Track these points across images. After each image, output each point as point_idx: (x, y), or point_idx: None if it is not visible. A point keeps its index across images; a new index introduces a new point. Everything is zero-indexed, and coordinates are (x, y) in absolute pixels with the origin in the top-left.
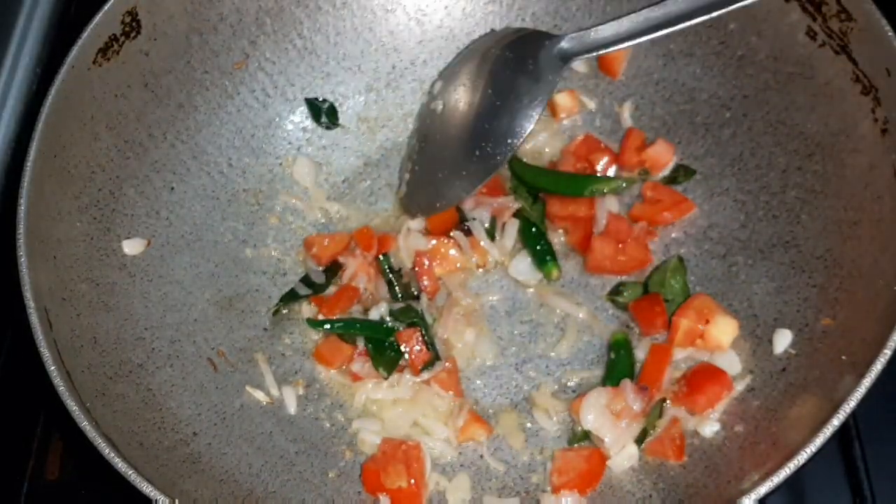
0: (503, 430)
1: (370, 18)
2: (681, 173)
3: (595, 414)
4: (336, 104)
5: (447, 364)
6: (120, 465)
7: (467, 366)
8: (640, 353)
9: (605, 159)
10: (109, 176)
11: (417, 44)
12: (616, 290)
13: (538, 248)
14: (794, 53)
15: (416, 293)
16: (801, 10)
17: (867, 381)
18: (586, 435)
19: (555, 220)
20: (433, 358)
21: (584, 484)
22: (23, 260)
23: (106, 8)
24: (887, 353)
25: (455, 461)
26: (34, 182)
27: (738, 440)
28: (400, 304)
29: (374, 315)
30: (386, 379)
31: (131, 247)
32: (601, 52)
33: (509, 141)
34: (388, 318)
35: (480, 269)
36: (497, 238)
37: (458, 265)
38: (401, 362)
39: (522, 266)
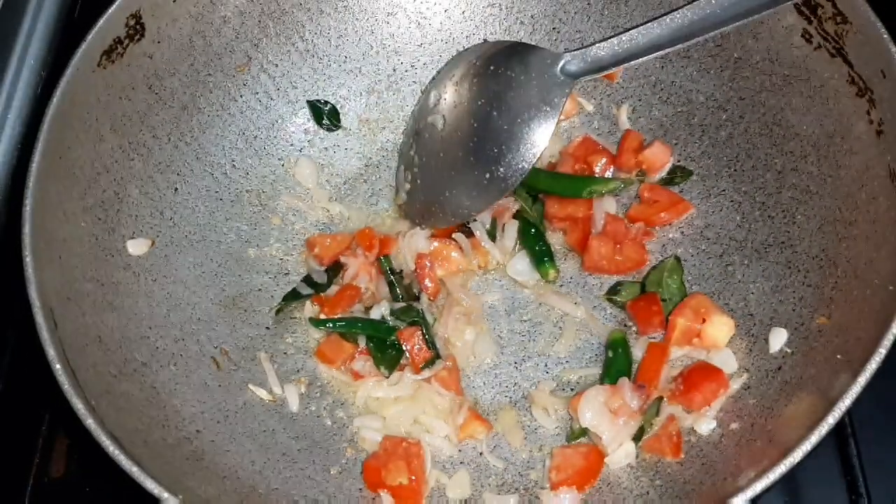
0: (502, 427)
1: (371, 21)
2: (678, 174)
3: (593, 411)
4: (338, 106)
5: (447, 363)
6: (124, 462)
7: (467, 364)
8: (638, 352)
9: (603, 161)
10: (114, 177)
11: (418, 47)
12: (614, 290)
13: (537, 248)
14: (789, 56)
15: (417, 293)
16: (796, 13)
17: (862, 380)
18: (584, 432)
19: (553, 220)
20: (434, 356)
21: (582, 481)
22: (28, 260)
23: (110, 11)
24: (882, 351)
25: (455, 458)
26: (39, 183)
27: (735, 438)
28: (401, 304)
29: (375, 314)
30: (387, 377)
31: (136, 247)
32: (604, 73)
33: (520, 166)
34: (389, 318)
35: (481, 270)
36: (498, 239)
37: (460, 267)
38: (402, 361)
39: (521, 266)
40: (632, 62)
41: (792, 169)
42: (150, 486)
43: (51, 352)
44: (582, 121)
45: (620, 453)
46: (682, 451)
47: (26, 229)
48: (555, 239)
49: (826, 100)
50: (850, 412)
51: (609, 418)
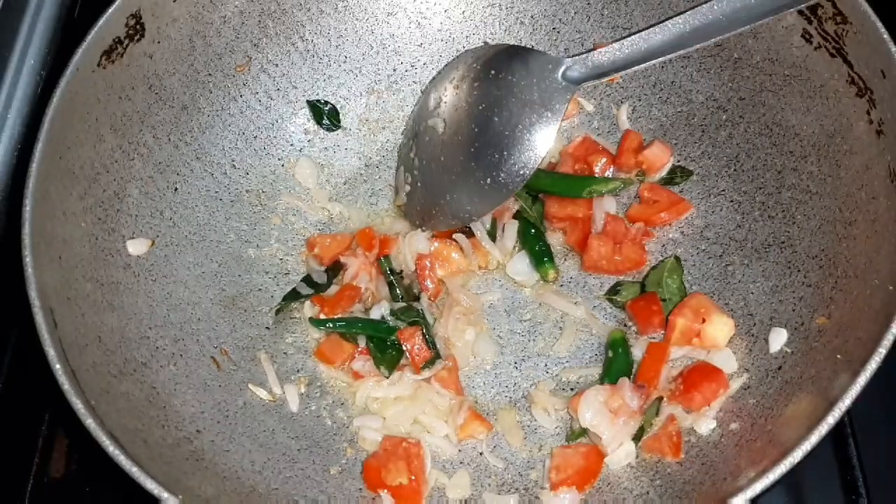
0: (502, 427)
1: (371, 21)
2: (677, 174)
3: (593, 411)
4: (338, 106)
5: (447, 362)
6: (124, 462)
7: (467, 364)
8: (638, 352)
9: (603, 160)
10: (114, 177)
11: (418, 47)
12: (614, 290)
13: (537, 248)
14: (789, 56)
15: (417, 294)
16: (796, 13)
17: (862, 380)
18: (584, 432)
19: (553, 220)
20: (434, 356)
21: (581, 481)
22: (28, 260)
23: (110, 11)
24: (882, 351)
25: (455, 458)
26: (39, 183)
27: (734, 438)
28: (401, 304)
29: (375, 314)
30: (387, 377)
31: (135, 247)
32: (606, 79)
33: (521, 172)
34: (388, 318)
35: (481, 270)
36: (498, 239)
37: (460, 267)
38: (402, 361)
39: (521, 266)
40: (633, 68)
41: (792, 169)
42: (150, 486)
43: (51, 352)
44: (582, 121)
45: (620, 453)
46: (682, 451)
47: (26, 229)
48: (555, 239)
49: (826, 100)
50: (849, 412)
51: (609, 418)
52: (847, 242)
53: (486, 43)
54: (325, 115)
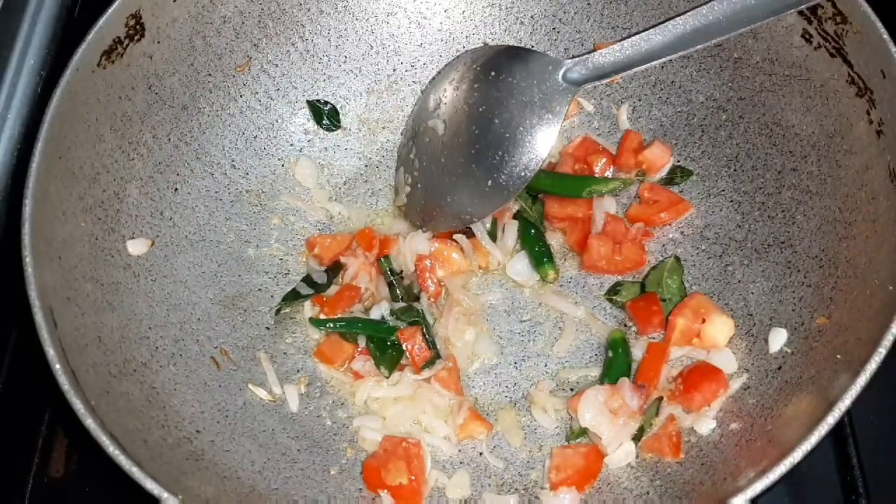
0: (502, 427)
1: (371, 21)
2: (677, 174)
3: (593, 411)
4: (338, 106)
5: (447, 362)
6: (124, 462)
7: (467, 364)
8: (638, 352)
9: (603, 161)
10: (114, 177)
11: (418, 47)
12: (614, 290)
13: (537, 249)
14: (789, 56)
15: (417, 294)
16: (796, 13)
17: (862, 380)
18: (584, 431)
19: (553, 220)
20: (434, 356)
21: (581, 481)
22: (28, 260)
23: (110, 11)
24: (882, 351)
25: (455, 458)
26: (39, 183)
27: (734, 438)
28: (401, 304)
29: (375, 314)
30: (387, 377)
31: (135, 247)
32: (606, 80)
33: (522, 174)
34: (388, 318)
35: (481, 270)
36: (498, 239)
37: (461, 268)
38: (402, 361)
39: (520, 266)
40: (633, 69)
41: (792, 169)
42: (150, 486)
43: (50, 352)
44: (582, 121)
45: (620, 453)
46: (681, 451)
47: (26, 229)
48: (555, 239)
49: (826, 100)
50: (849, 412)
51: (609, 418)
52: (847, 242)
53: (485, 43)
54: (325, 115)
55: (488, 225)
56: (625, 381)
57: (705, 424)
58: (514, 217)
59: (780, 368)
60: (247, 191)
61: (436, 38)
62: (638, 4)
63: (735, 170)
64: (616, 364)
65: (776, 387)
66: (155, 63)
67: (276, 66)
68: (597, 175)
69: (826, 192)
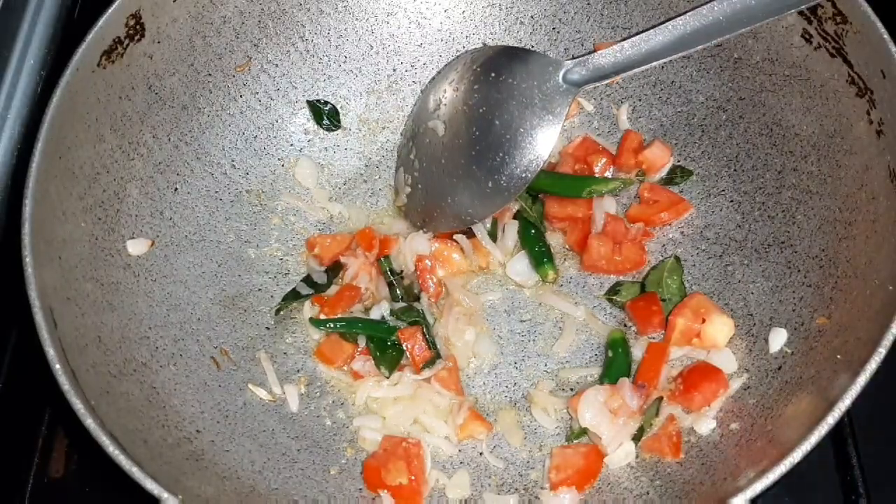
0: (502, 427)
1: (371, 21)
2: (677, 174)
3: (593, 411)
4: (338, 106)
5: (448, 362)
6: (124, 462)
7: (467, 364)
8: (638, 352)
9: (603, 161)
10: (114, 177)
11: (418, 47)
12: (614, 290)
13: (537, 249)
14: (789, 56)
15: (417, 294)
16: (796, 13)
17: (862, 380)
18: (584, 431)
19: (553, 220)
20: (434, 356)
21: (581, 481)
22: (28, 260)
23: (110, 11)
24: (882, 351)
25: (455, 458)
26: (39, 183)
27: (734, 438)
28: (401, 304)
29: (375, 314)
30: (387, 377)
31: (135, 247)
32: (606, 81)
33: (523, 175)
34: (388, 318)
35: (482, 270)
36: (498, 239)
37: (461, 268)
38: (402, 361)
39: (520, 267)
40: (634, 70)
41: (792, 169)
42: (150, 486)
43: (50, 352)
44: (582, 121)
45: (620, 453)
46: (681, 451)
47: (26, 229)
48: (555, 239)
49: (826, 100)
50: (849, 412)
51: (609, 418)
52: (847, 242)
53: (485, 44)
54: (325, 115)
55: (488, 225)
56: (625, 381)
57: (705, 424)
58: (514, 217)
59: (780, 368)
60: (247, 191)
61: (436, 38)
62: (638, 4)
63: (735, 170)
64: (616, 364)
65: (776, 387)
66: (155, 63)
67: (276, 66)
68: (597, 175)
69: (826, 192)
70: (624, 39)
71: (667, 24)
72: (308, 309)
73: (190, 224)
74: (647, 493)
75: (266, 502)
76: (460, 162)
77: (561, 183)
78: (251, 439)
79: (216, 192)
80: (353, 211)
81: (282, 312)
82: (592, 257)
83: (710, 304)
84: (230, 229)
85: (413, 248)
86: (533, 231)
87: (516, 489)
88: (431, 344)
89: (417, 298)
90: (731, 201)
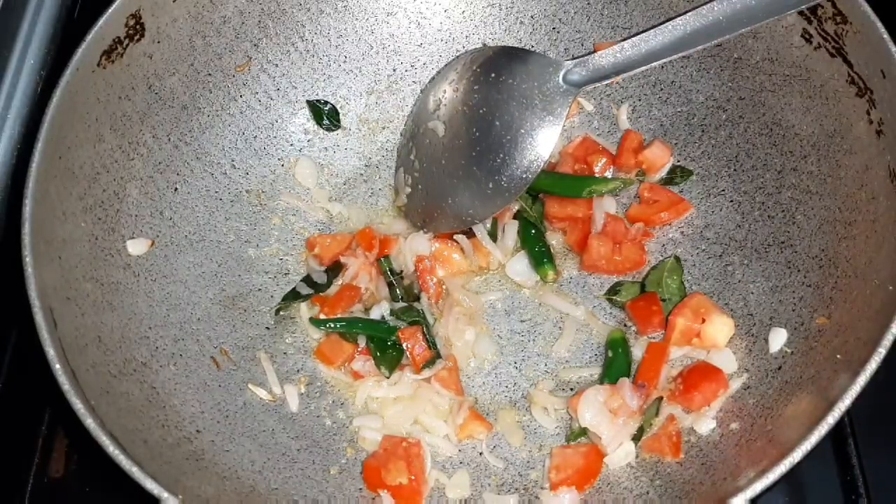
0: (502, 427)
1: (371, 21)
2: (677, 174)
3: (593, 411)
4: (338, 106)
5: (448, 362)
6: (124, 462)
7: (467, 364)
8: (638, 352)
9: (603, 160)
10: (114, 177)
11: (417, 47)
12: (613, 290)
13: (536, 249)
14: (789, 56)
15: (417, 294)
16: (796, 13)
17: (862, 380)
18: (584, 431)
19: (553, 220)
20: (434, 356)
21: (581, 481)
22: (28, 259)
23: (110, 11)
24: (882, 351)
25: (455, 458)
26: (39, 183)
27: (734, 438)
28: (401, 304)
29: (375, 314)
30: (387, 377)
31: (135, 247)
32: (607, 81)
33: (524, 176)
34: (388, 318)
35: (482, 270)
36: (498, 239)
37: (461, 268)
38: (402, 360)
39: (520, 267)
40: (634, 70)
41: (792, 169)
42: (150, 486)
43: (50, 352)
44: (582, 121)
45: (620, 453)
46: (681, 451)
47: (26, 229)
48: (555, 239)
49: (826, 100)
50: (849, 412)
51: (609, 418)
52: (847, 242)
53: (484, 44)
54: (325, 115)
55: (488, 225)
56: (625, 381)
57: (705, 424)
58: (514, 217)
59: (780, 368)
60: (247, 191)
61: (436, 38)
62: (638, 4)
63: (735, 170)
64: (616, 364)
65: (776, 387)
66: (155, 63)
67: (276, 66)
68: (597, 175)
69: (826, 192)
70: (624, 39)
71: (667, 24)
72: (308, 309)
73: (190, 224)
74: (647, 493)
75: (266, 502)
76: (460, 162)
77: (561, 183)
78: (251, 439)
79: (216, 191)
80: (353, 211)
81: (282, 312)
82: (592, 257)
83: (710, 304)
84: (230, 229)
85: (413, 248)
86: (533, 231)
87: (516, 489)
88: (431, 344)
89: (417, 298)
90: (731, 201)
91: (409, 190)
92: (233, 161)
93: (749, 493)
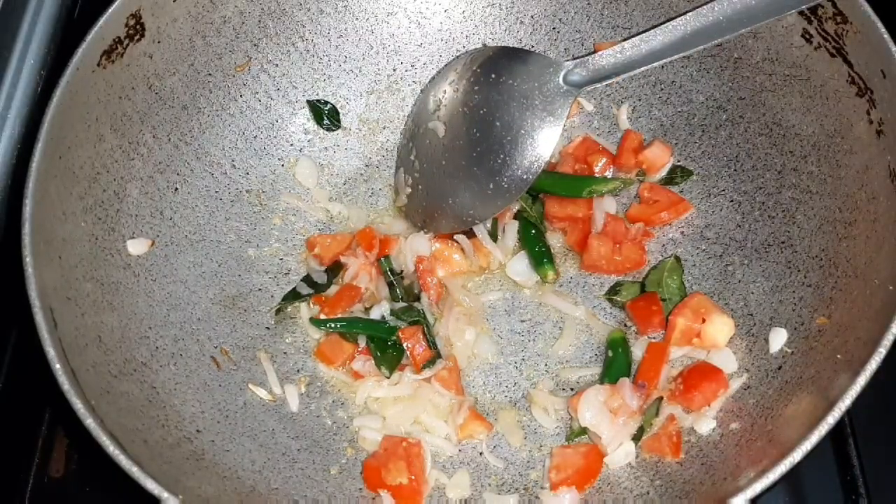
0: (502, 427)
1: (371, 21)
2: (678, 174)
3: (593, 411)
4: (338, 106)
5: (448, 362)
6: (124, 462)
7: (467, 364)
8: (638, 352)
9: (603, 160)
10: (114, 177)
11: (418, 47)
12: (614, 290)
13: (537, 249)
14: (789, 56)
15: (417, 294)
16: (796, 13)
17: (862, 380)
18: (584, 431)
19: (553, 220)
20: (435, 356)
21: (581, 480)
22: (28, 259)
23: (110, 11)
24: (882, 351)
25: (455, 458)
26: (39, 182)
27: (734, 438)
28: (401, 304)
29: (375, 314)
30: (388, 377)
31: (135, 247)
32: (608, 82)
33: (525, 177)
34: (389, 318)
35: (483, 270)
36: (498, 239)
37: (461, 269)
38: (402, 360)
39: (520, 267)
40: (634, 71)
41: (792, 169)
42: (150, 485)
43: (50, 351)
44: (582, 121)
45: (620, 453)
46: (681, 451)
47: (26, 229)
48: (555, 239)
49: (826, 100)
50: (849, 412)
51: (609, 418)
52: (847, 242)
53: (484, 44)
54: (325, 115)
55: (489, 225)
56: (625, 381)
57: (705, 424)
58: (515, 217)
59: (780, 368)
60: (247, 191)
61: (436, 37)
62: (638, 4)
63: (735, 170)
64: (616, 364)
65: (776, 387)
66: (155, 63)
67: (276, 65)
68: (597, 175)
69: (826, 192)
70: (624, 40)
71: (667, 24)
72: (308, 309)
73: (190, 224)
74: (647, 493)
75: (266, 502)
76: (461, 163)
77: (561, 183)
78: (251, 439)
79: (216, 191)
80: (353, 211)
81: (282, 312)
82: (592, 257)
83: (710, 303)
84: (230, 229)
85: (413, 248)
86: (533, 231)
87: (516, 489)
88: (432, 344)
89: (417, 298)
90: (732, 201)
91: (409, 190)
92: (233, 161)
93: (749, 493)
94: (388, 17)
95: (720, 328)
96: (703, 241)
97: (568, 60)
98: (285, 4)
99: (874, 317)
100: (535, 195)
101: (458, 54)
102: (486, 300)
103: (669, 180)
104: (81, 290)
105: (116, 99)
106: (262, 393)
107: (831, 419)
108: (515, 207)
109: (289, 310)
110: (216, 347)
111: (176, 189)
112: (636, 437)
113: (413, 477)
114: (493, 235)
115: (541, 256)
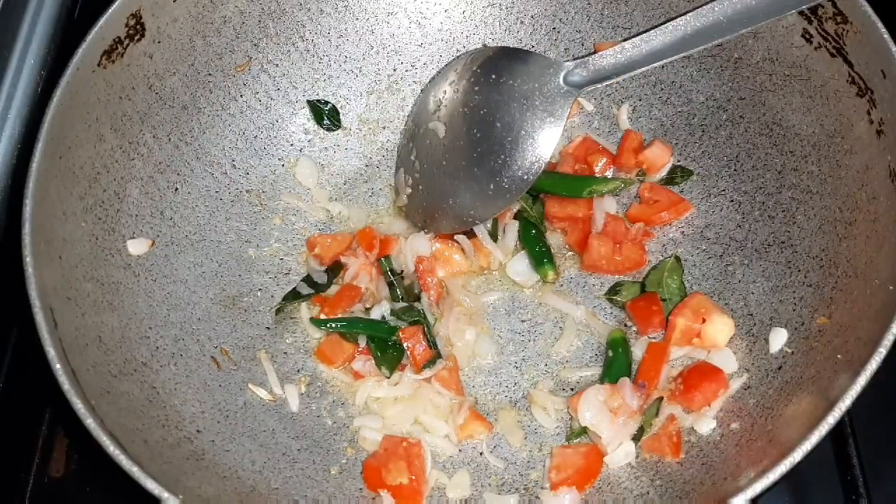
0: (502, 427)
1: (372, 21)
2: (678, 174)
3: (593, 411)
4: (338, 106)
5: (448, 362)
6: (124, 462)
7: (467, 364)
8: (638, 352)
9: (603, 160)
10: (114, 177)
11: (418, 46)
12: (614, 290)
13: (537, 249)
14: (790, 55)
15: (417, 294)
16: (796, 13)
17: (862, 380)
18: (584, 431)
19: (553, 220)
20: (435, 356)
21: (582, 480)
22: (28, 259)
23: (110, 11)
24: (882, 351)
25: (455, 458)
26: (39, 182)
27: (735, 438)
28: (401, 304)
29: (375, 314)
30: (388, 377)
31: (136, 247)
32: (608, 82)
33: (525, 177)
34: (389, 318)
35: (483, 271)
36: (499, 239)
37: (461, 269)
38: (402, 360)
39: (520, 267)
40: (635, 71)
41: (792, 169)
42: (150, 486)
43: (51, 351)
44: (582, 121)
45: (620, 453)
46: (682, 451)
47: (26, 229)
48: (555, 239)
49: (826, 100)
50: (849, 412)
51: (609, 418)
52: (847, 242)
53: (484, 44)
54: (325, 115)
55: (489, 225)
56: (625, 381)
57: (705, 424)
58: (515, 217)
59: (780, 368)
60: (247, 191)
61: (436, 37)
62: (638, 4)
63: (735, 170)
64: (616, 364)
65: (776, 387)
66: (155, 63)
67: (277, 66)
68: (597, 175)
69: (826, 192)
70: (625, 40)
71: (667, 24)
72: (308, 309)
73: (190, 224)
74: (647, 493)
75: (266, 502)
76: (461, 164)
77: (561, 183)
78: (251, 439)
79: (216, 191)
80: (353, 211)
81: (282, 312)
82: (592, 257)
83: (711, 303)
84: (230, 229)
85: (413, 248)
86: (533, 231)
87: (516, 489)
88: (432, 344)
89: (418, 298)
90: (732, 201)
91: (409, 190)
92: (233, 161)
93: (749, 493)
94: (389, 17)
95: (720, 328)
96: (704, 241)
97: (568, 61)
98: (285, 4)
99: (874, 317)
100: (536, 195)
101: (458, 54)
102: (486, 300)
103: (669, 180)
104: (82, 290)
105: (116, 99)
106: (262, 393)
107: (831, 419)
108: (516, 207)
109: (289, 310)
110: (216, 347)
111: (176, 189)
112: (636, 437)
113: (413, 477)
114: (494, 235)
115: (541, 256)
